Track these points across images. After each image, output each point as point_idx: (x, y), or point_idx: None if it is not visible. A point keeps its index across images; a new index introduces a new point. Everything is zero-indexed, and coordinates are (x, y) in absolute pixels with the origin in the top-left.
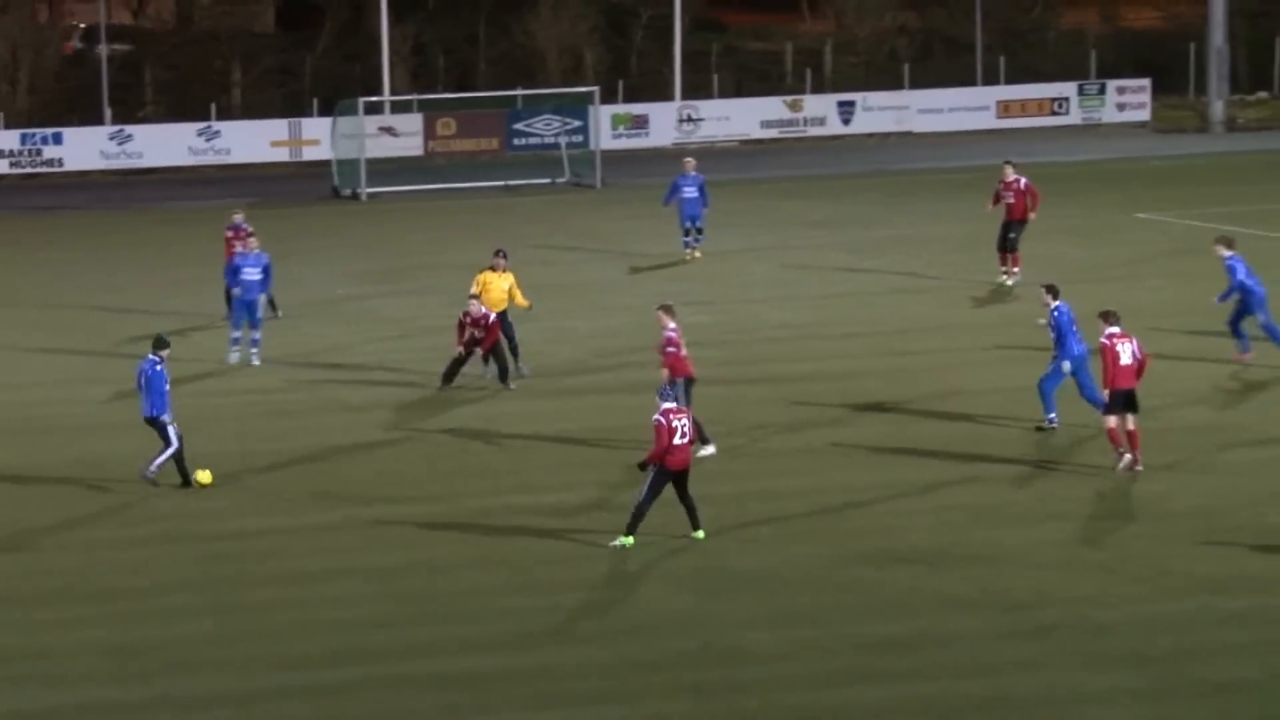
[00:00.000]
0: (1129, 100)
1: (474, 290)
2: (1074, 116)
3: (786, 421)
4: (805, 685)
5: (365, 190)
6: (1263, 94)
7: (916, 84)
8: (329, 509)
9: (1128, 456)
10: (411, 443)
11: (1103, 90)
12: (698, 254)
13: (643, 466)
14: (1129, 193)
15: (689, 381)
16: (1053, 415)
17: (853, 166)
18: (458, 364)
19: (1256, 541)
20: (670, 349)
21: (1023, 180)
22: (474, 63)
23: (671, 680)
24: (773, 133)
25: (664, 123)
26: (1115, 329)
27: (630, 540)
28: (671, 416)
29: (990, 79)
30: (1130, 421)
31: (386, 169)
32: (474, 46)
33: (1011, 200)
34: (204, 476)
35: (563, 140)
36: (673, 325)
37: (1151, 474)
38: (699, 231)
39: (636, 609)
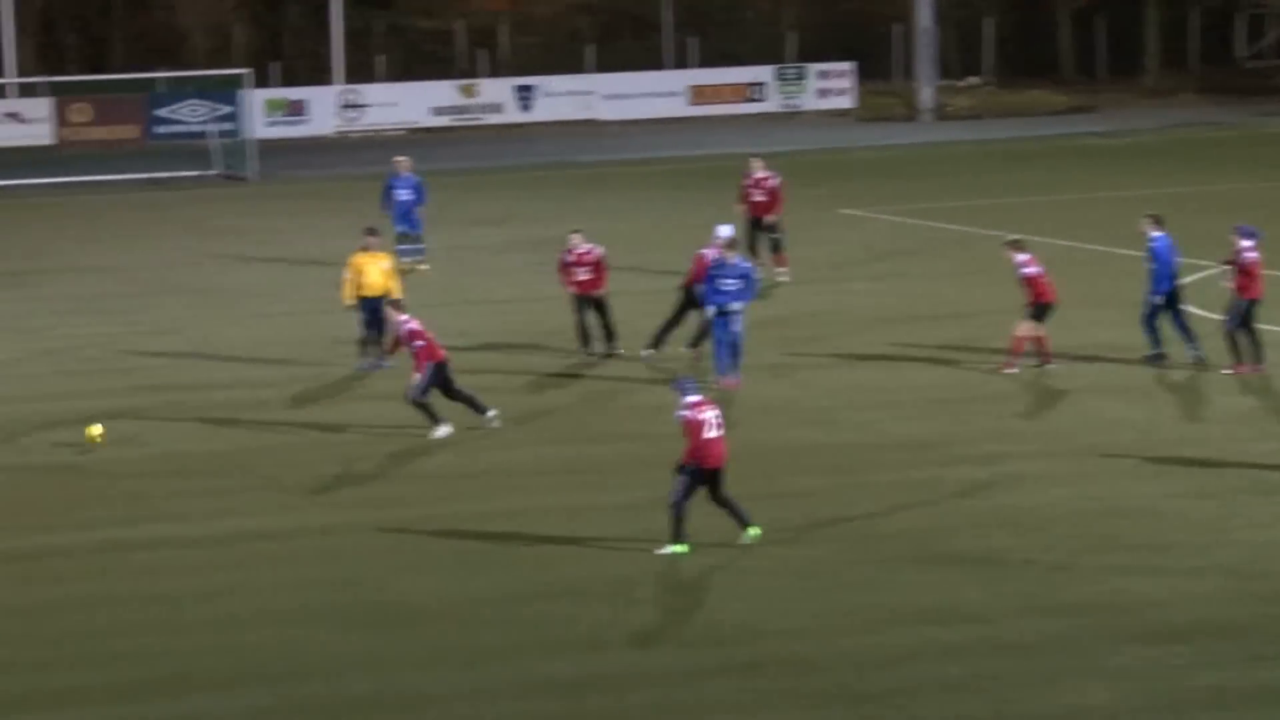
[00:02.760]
0: (831, 86)
1: (346, 277)
2: (772, 103)
3: (465, 440)
4: None
5: None
6: (973, 79)
7: (601, 67)
8: None
9: None
10: (44, 467)
11: (803, 75)
12: (423, 265)
13: (682, 469)
14: (832, 187)
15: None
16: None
17: (533, 157)
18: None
19: (977, 568)
20: (418, 342)
21: (775, 177)
22: (109, 41)
23: None
24: (445, 120)
25: (324, 109)
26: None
27: (683, 547)
28: (699, 410)
29: (681, 62)
30: None
31: (11, 160)
32: (109, 22)
33: (762, 198)
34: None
35: (211, 128)
36: (404, 318)
37: (864, 493)
38: (415, 239)
39: (301, 649)
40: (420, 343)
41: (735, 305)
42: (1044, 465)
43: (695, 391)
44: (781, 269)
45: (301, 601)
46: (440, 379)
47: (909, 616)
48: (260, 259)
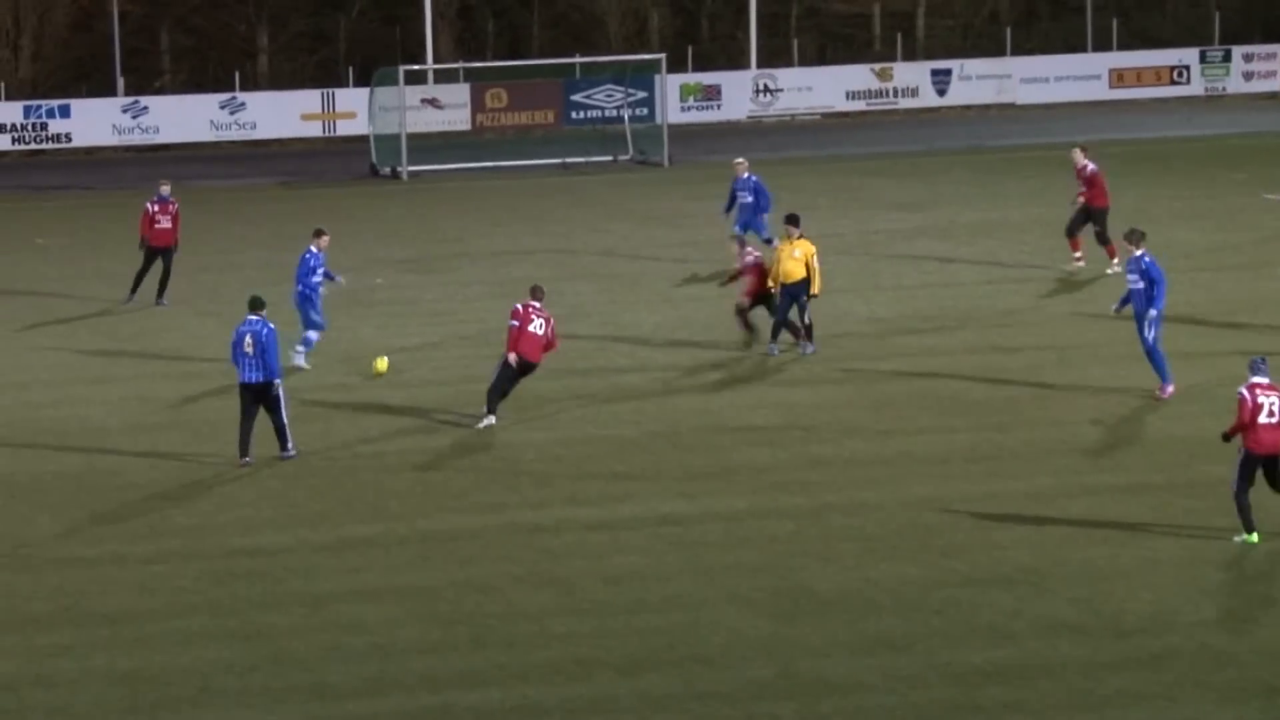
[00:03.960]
0: (1257, 69)
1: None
2: (1195, 86)
3: (872, 426)
4: (892, 718)
5: (406, 169)
6: None
7: (1019, 50)
8: (363, 522)
9: None
10: (454, 449)
11: (1227, 57)
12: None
13: (1226, 439)
14: (1256, 171)
15: (526, 365)
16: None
17: (948, 142)
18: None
19: None
20: (514, 322)
21: (1090, 166)
22: (527, 27)
23: (744, 713)
24: (859, 104)
25: (738, 94)
26: None
27: (1255, 537)
28: (1258, 392)
29: (1102, 44)
30: None
31: (430, 145)
32: (527, 9)
33: (1083, 189)
34: (381, 364)
35: (625, 113)
36: (537, 304)
37: None
38: (767, 242)
39: (705, 634)
40: (516, 323)
41: (1144, 310)
42: None
43: (1265, 374)
44: (1114, 260)
45: (705, 587)
46: (513, 377)
47: None
48: (669, 244)
